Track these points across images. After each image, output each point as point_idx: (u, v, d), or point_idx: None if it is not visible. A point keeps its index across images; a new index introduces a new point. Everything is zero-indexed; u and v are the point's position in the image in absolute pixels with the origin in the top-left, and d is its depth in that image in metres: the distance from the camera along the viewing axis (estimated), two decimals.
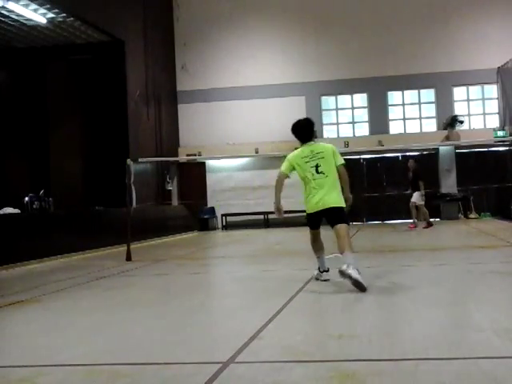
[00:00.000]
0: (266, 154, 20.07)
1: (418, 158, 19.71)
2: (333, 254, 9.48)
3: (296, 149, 6.81)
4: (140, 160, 13.91)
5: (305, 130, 6.70)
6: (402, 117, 22.15)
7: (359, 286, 5.81)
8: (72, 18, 15.86)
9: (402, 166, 21.75)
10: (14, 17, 15.25)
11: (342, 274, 5.90)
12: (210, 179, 22.44)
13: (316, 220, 6.65)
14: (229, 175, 22.18)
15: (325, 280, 6.72)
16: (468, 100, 21.93)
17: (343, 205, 6.49)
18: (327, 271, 6.77)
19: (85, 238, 12.90)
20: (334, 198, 6.44)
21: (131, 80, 18.77)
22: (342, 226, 6.32)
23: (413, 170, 16.26)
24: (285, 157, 6.83)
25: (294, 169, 6.62)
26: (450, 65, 21.16)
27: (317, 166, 6.46)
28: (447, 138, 20.63)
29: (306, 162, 6.51)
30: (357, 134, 21.97)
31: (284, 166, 6.66)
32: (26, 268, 10.16)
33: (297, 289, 6.26)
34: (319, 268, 6.84)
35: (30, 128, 18.34)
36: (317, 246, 6.81)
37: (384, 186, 21.74)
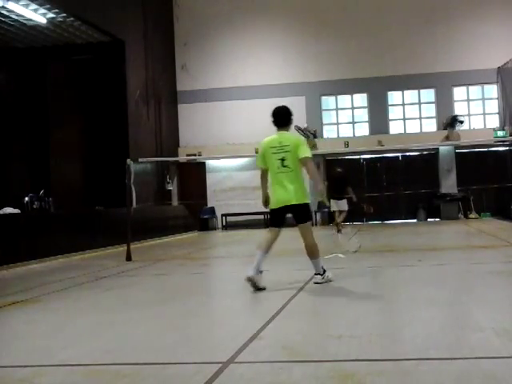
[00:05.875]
0: None
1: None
2: (333, 254, 9.50)
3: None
4: (140, 160, 13.91)
5: (280, 117, 6.74)
6: (402, 117, 22.14)
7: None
8: (72, 18, 15.86)
9: (402, 165, 21.81)
10: (14, 17, 15.25)
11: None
12: (210, 179, 22.43)
13: (278, 217, 6.32)
14: (229, 175, 22.16)
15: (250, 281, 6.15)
16: (468, 100, 21.93)
17: (306, 201, 6.28)
18: (260, 272, 6.23)
19: (85, 237, 12.89)
20: (295, 194, 6.20)
21: (131, 80, 18.76)
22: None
23: None
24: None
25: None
26: (450, 65, 21.16)
27: (282, 160, 6.27)
28: (447, 138, 20.63)
29: (273, 153, 6.33)
30: (357, 134, 21.93)
31: (259, 160, 6.55)
32: (25, 268, 10.16)
33: (296, 289, 6.25)
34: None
35: (30, 128, 18.32)
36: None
37: (384, 186, 21.73)
